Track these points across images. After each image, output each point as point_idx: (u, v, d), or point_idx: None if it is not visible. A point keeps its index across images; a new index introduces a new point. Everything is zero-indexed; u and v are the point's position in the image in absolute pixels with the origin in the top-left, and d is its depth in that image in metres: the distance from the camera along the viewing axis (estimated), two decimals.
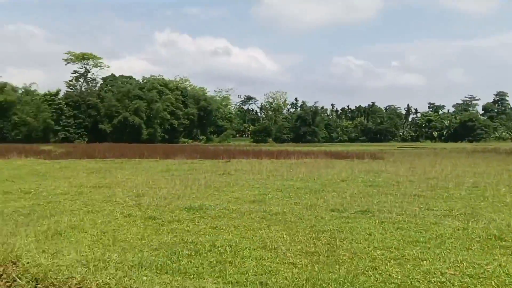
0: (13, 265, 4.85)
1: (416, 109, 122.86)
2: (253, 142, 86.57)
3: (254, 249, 5.51)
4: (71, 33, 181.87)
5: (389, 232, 6.46)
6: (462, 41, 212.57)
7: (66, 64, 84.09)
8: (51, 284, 4.18)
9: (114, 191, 10.82)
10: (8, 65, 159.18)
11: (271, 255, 5.29)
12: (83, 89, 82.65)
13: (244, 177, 14.03)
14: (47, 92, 76.16)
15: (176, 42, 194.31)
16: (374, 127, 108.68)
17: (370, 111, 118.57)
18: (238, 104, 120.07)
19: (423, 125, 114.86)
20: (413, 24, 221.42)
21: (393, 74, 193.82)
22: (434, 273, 4.63)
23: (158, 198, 9.60)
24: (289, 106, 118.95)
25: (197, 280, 4.40)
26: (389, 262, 5.02)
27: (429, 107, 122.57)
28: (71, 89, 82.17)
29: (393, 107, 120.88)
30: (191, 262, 5.00)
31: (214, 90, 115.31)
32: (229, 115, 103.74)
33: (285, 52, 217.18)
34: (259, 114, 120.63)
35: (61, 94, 78.01)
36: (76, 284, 4.13)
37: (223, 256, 5.21)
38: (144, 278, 4.37)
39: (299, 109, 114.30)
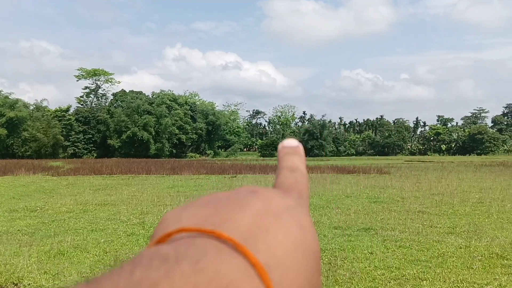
0: (15, 286, 4.90)
1: (424, 122, 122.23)
2: (261, 156, 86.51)
3: None
4: (83, 49, 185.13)
5: (390, 250, 6.44)
6: (473, 53, 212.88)
7: (77, 80, 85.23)
8: None
9: (119, 208, 10.88)
10: (20, 81, 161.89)
11: None
12: (93, 104, 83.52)
13: None
14: (58, 108, 77.12)
15: (186, 57, 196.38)
16: (382, 140, 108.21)
17: (378, 124, 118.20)
18: (246, 119, 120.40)
19: (431, 138, 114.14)
20: (423, 36, 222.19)
21: (402, 86, 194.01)
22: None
23: (162, 216, 9.62)
24: (297, 120, 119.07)
25: None
26: (389, 282, 5.00)
27: (437, 120, 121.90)
28: (82, 104, 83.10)
29: (401, 120, 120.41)
30: None
31: (223, 105, 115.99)
32: (237, 130, 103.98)
33: (295, 65, 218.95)
34: (267, 128, 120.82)
35: (72, 109, 78.96)
36: None
37: None
38: None
39: (307, 122, 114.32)
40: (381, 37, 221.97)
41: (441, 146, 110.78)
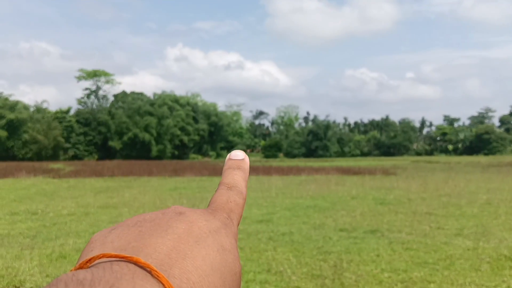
0: None
1: (430, 122, 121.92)
2: (264, 158, 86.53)
3: (259, 272, 5.42)
4: (83, 49, 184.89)
5: (397, 252, 6.33)
6: (479, 51, 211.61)
7: (78, 81, 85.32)
8: None
9: (120, 211, 10.80)
10: (20, 83, 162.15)
11: (276, 278, 5.20)
12: (94, 106, 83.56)
13: (252, 195, 13.95)
14: (58, 110, 77.16)
15: (188, 57, 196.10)
16: (387, 141, 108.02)
17: (383, 124, 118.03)
18: (249, 119, 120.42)
19: (438, 138, 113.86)
20: (429, 34, 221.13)
21: (408, 86, 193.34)
22: None
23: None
24: (301, 120, 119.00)
25: None
26: (396, 285, 4.90)
27: (444, 120, 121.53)
28: (82, 106, 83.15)
29: (407, 120, 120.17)
30: None
31: (225, 105, 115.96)
32: (240, 131, 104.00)
33: (298, 65, 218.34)
34: (270, 129, 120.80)
35: (72, 111, 79.02)
36: None
37: None
38: None
39: (310, 123, 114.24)
40: (386, 35, 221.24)
41: (448, 147, 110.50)
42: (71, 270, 0.28)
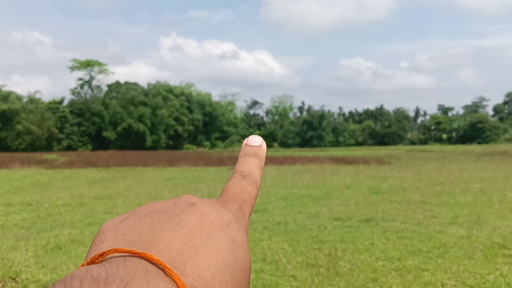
0: (13, 281, 4.84)
1: (425, 111, 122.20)
2: None
3: (254, 262, 5.46)
4: (77, 39, 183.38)
5: (391, 241, 6.38)
6: (474, 40, 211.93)
7: (71, 71, 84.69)
8: None
9: (115, 202, 10.80)
10: (13, 73, 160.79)
11: (271, 267, 5.23)
12: (88, 96, 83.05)
13: None
14: (52, 100, 76.66)
15: (182, 47, 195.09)
16: (381, 130, 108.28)
17: (378, 114, 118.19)
18: (243, 109, 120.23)
19: (432, 127, 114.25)
20: (423, 23, 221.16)
21: (403, 75, 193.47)
22: (435, 284, 4.56)
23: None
24: (295, 110, 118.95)
25: None
26: (390, 273, 4.95)
27: (438, 109, 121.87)
28: (76, 96, 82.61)
29: (401, 109, 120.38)
30: None
31: (220, 95, 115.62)
32: (234, 121, 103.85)
33: (293, 54, 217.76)
34: (265, 119, 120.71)
35: (66, 101, 78.53)
36: None
37: None
38: None
39: (305, 113, 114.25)
40: (381, 24, 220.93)
41: (442, 135, 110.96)
42: (82, 264, 0.27)
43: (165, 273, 0.26)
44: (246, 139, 0.43)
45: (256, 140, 0.42)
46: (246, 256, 0.32)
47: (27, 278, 4.86)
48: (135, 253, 0.27)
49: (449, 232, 6.86)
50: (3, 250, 6.06)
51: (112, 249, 0.28)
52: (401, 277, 4.80)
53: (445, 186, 13.06)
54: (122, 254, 0.27)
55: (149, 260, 0.27)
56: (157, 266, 0.26)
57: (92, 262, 0.27)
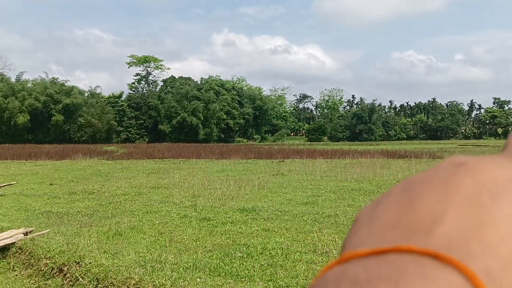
0: (77, 265, 5.18)
1: (480, 105, 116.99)
2: (308, 141, 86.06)
3: (305, 253, 5.56)
4: (135, 36, 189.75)
5: None
6: None
7: (129, 67, 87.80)
8: (111, 284, 4.45)
9: (171, 191, 11.21)
10: (76, 69, 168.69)
11: (322, 259, 5.32)
12: (144, 91, 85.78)
13: (297, 178, 14.06)
14: (111, 95, 79.94)
15: (233, 42, 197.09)
16: (434, 124, 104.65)
17: (430, 107, 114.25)
18: (293, 103, 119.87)
19: (487, 121, 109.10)
20: (479, 15, 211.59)
21: (457, 68, 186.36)
22: None
23: (213, 199, 9.85)
24: (345, 104, 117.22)
25: (248, 283, 4.52)
26: None
27: (494, 103, 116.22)
28: (133, 91, 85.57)
29: (455, 103, 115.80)
30: (243, 264, 5.12)
31: (270, 89, 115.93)
32: (284, 114, 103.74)
33: (344, 48, 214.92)
34: (314, 112, 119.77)
35: (124, 96, 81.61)
36: (134, 284, 4.38)
37: (274, 259, 5.29)
38: (198, 280, 4.54)
39: (355, 106, 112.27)
40: (434, 16, 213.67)
41: (498, 130, 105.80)
42: (332, 264, 0.22)
43: (440, 261, 0.20)
44: None
45: None
46: None
47: (90, 263, 5.16)
48: (394, 250, 0.21)
49: None
50: (68, 236, 6.46)
51: (366, 251, 0.22)
52: None
53: None
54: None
55: (413, 252, 0.21)
56: (428, 255, 0.20)
57: (345, 260, 0.22)
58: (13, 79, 73.56)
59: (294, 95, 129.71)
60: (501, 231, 0.21)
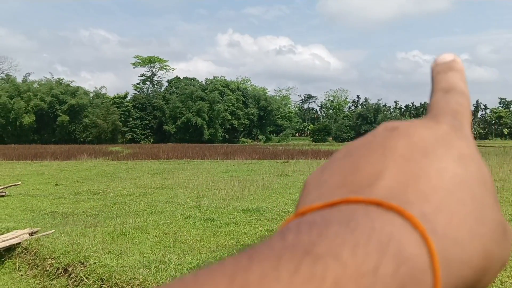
0: (81, 265, 5.22)
1: (485, 105, 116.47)
2: (313, 141, 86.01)
3: None
4: (140, 36, 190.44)
5: None
6: None
7: (134, 68, 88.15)
8: (115, 285, 4.48)
9: (176, 192, 11.24)
10: (81, 70, 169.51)
11: None
12: (149, 91, 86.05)
13: (301, 179, 14.06)
14: (116, 95, 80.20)
15: (238, 43, 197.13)
16: None
17: None
18: (298, 103, 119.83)
19: (493, 122, 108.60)
20: (485, 14, 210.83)
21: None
22: (494, 282, 4.48)
23: (217, 199, 9.87)
24: (350, 104, 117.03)
25: None
26: None
27: (500, 103, 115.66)
28: (138, 91, 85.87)
29: None
30: None
31: (274, 90, 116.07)
32: (288, 115, 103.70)
33: (349, 48, 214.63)
34: (319, 113, 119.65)
35: (129, 96, 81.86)
36: (138, 285, 4.40)
37: None
38: None
39: (360, 107, 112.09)
40: (439, 16, 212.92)
41: (503, 130, 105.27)
42: (289, 220, 0.24)
43: (384, 208, 0.23)
44: (434, 59, 0.36)
45: (446, 56, 0.36)
46: (481, 169, 0.27)
47: (94, 263, 5.19)
48: (344, 201, 0.23)
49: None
50: (73, 236, 6.49)
51: (318, 205, 0.24)
52: None
53: (505, 182, 12.50)
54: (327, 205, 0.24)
55: (360, 202, 0.23)
56: (373, 204, 0.23)
57: (302, 214, 0.24)
58: (18, 80, 73.98)
59: (298, 95, 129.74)
60: (432, 182, 0.24)
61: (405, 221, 0.22)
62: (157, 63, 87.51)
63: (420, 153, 0.26)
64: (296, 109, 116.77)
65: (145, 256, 5.48)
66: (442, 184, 0.24)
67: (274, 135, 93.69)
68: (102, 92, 78.26)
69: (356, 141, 0.29)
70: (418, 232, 0.22)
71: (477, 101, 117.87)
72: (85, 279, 4.69)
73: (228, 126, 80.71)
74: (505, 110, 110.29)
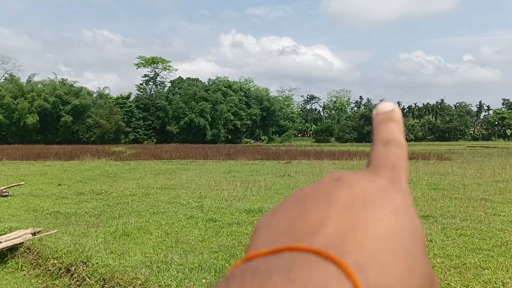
0: (84, 265, 5.24)
1: (488, 106, 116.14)
2: (315, 142, 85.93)
3: None
4: (143, 37, 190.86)
5: (451, 238, 6.27)
6: None
7: (137, 68, 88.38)
8: (117, 284, 4.50)
9: (178, 192, 11.26)
10: (85, 70, 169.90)
11: None
12: (152, 92, 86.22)
13: (303, 179, 14.07)
14: (119, 96, 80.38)
15: (241, 43, 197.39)
16: (442, 125, 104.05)
17: (438, 108, 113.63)
18: (300, 104, 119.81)
19: (496, 123, 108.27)
20: (488, 15, 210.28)
21: (466, 69, 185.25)
22: (495, 283, 4.48)
23: (219, 200, 9.89)
24: (352, 105, 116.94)
25: None
26: (449, 270, 4.90)
27: (503, 104, 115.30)
28: (141, 92, 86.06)
29: (463, 104, 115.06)
30: None
31: (277, 90, 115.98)
32: (291, 115, 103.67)
33: (352, 48, 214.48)
34: (321, 113, 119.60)
35: (132, 97, 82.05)
36: (140, 285, 4.42)
37: None
38: (203, 280, 4.57)
39: (363, 107, 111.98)
40: (443, 16, 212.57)
41: (506, 131, 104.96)
42: (237, 264, 0.26)
43: (322, 256, 0.24)
44: (376, 108, 0.38)
45: (386, 106, 0.38)
46: (413, 222, 0.29)
47: (97, 263, 5.20)
48: (285, 249, 0.25)
49: (511, 231, 6.64)
50: (76, 236, 6.51)
51: (265, 251, 0.26)
52: (460, 275, 4.74)
53: (508, 183, 12.47)
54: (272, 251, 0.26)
55: (301, 250, 0.25)
56: (313, 252, 0.25)
57: (249, 259, 0.26)
58: (22, 80, 74.27)
59: (301, 96, 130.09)
60: (370, 232, 0.26)
61: (340, 271, 0.23)
62: (160, 63, 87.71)
63: (360, 204, 0.27)
64: (299, 109, 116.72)
65: (147, 256, 5.50)
66: (377, 234, 0.26)
67: (277, 135, 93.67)
68: (105, 93, 78.52)
69: (305, 188, 0.31)
70: (351, 282, 0.23)
71: (480, 102, 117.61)
72: (87, 279, 4.72)
73: (230, 126, 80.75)
74: (508, 111, 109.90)
